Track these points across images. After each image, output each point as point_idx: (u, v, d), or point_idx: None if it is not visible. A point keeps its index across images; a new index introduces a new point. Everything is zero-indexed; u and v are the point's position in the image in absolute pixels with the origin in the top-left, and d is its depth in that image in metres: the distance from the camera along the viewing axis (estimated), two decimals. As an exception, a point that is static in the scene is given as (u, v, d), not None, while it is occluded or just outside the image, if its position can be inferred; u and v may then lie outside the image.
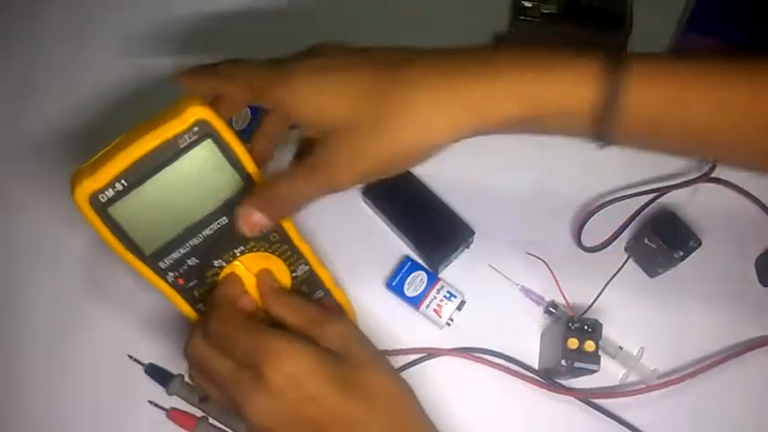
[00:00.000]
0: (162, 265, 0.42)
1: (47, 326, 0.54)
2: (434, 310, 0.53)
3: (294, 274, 0.46)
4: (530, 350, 0.52)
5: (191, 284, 0.43)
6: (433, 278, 0.54)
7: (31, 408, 0.52)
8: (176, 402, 0.52)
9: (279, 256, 0.45)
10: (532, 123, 0.37)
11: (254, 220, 0.39)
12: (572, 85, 0.35)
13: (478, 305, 0.54)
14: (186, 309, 0.44)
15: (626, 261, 0.53)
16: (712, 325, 0.53)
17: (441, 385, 0.51)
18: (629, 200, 0.55)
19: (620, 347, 0.51)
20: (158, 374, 0.52)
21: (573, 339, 0.48)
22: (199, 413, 0.51)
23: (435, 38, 0.62)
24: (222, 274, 0.44)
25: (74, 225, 0.53)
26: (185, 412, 0.51)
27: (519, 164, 0.58)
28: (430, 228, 0.54)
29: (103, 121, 0.59)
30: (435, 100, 0.36)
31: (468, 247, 0.55)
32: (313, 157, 0.38)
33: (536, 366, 0.52)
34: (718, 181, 0.56)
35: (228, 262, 0.44)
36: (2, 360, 0.53)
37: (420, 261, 0.55)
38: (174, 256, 0.42)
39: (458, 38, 0.62)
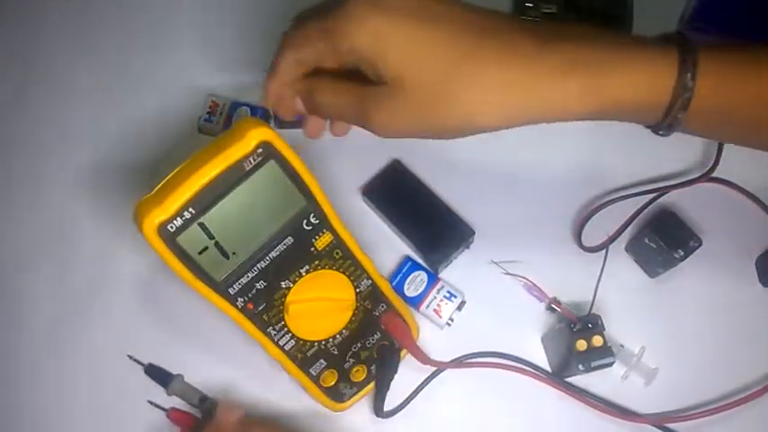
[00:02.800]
0: (231, 291, 0.41)
1: (48, 323, 0.54)
2: (434, 310, 0.53)
3: (358, 290, 0.47)
4: (533, 349, 0.52)
5: (260, 308, 0.43)
6: (433, 278, 0.54)
7: (32, 408, 0.52)
8: (177, 403, 0.51)
9: (343, 272, 0.46)
10: (595, 117, 0.37)
11: (291, 106, 0.40)
12: (645, 85, 0.35)
13: (479, 305, 0.54)
14: (257, 334, 0.44)
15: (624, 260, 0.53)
16: (712, 325, 0.53)
17: (458, 397, 0.51)
18: (629, 200, 0.55)
19: (622, 345, 0.51)
20: (158, 375, 0.52)
21: (581, 341, 0.48)
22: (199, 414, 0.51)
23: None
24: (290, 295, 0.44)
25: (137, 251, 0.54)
26: (186, 412, 0.51)
27: (519, 164, 0.59)
28: (430, 228, 0.54)
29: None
30: (501, 91, 0.35)
31: (468, 247, 0.55)
32: (366, 86, 0.37)
33: (546, 368, 0.52)
34: (718, 181, 0.56)
35: (295, 282, 0.44)
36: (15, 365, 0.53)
37: (420, 261, 0.55)
38: (243, 280, 0.41)
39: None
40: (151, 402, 0.51)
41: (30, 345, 0.53)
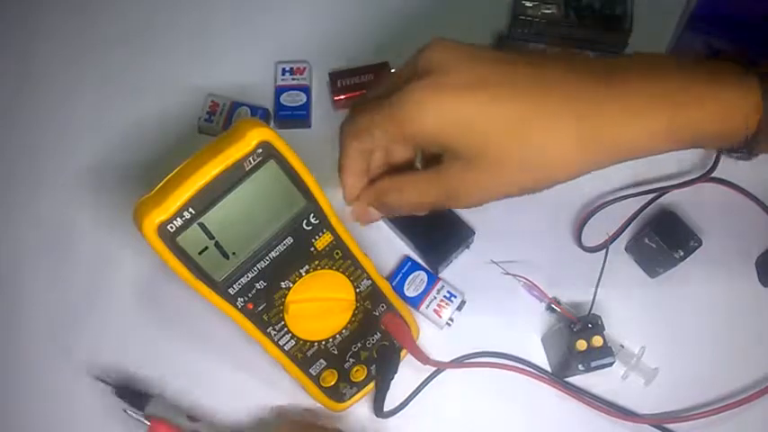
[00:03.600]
0: (231, 291, 0.41)
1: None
2: (434, 310, 0.53)
3: (358, 290, 0.47)
4: (533, 349, 0.52)
5: (260, 308, 0.43)
6: (433, 278, 0.54)
7: (31, 409, 0.52)
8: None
9: (343, 272, 0.46)
10: (678, 149, 0.37)
11: (368, 215, 0.41)
12: (731, 117, 0.35)
13: (479, 305, 0.54)
14: (256, 334, 0.44)
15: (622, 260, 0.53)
16: (712, 325, 0.53)
17: (458, 397, 0.51)
18: (629, 200, 0.55)
19: (622, 345, 0.51)
20: (132, 396, 0.48)
21: (580, 341, 0.48)
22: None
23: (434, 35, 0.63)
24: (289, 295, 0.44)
25: (137, 252, 0.53)
26: (169, 424, 0.47)
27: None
28: (430, 228, 0.54)
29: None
30: (579, 140, 0.35)
31: (468, 247, 0.55)
32: (442, 167, 0.38)
33: (546, 368, 0.52)
34: (718, 181, 0.56)
35: (295, 282, 0.44)
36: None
37: (420, 261, 0.55)
38: (243, 281, 0.41)
39: (458, 37, 0.63)
40: (127, 412, 0.48)
41: (29, 345, 0.53)
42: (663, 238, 0.51)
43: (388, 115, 0.37)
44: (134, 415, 0.47)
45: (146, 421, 0.47)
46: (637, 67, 0.36)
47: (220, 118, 0.59)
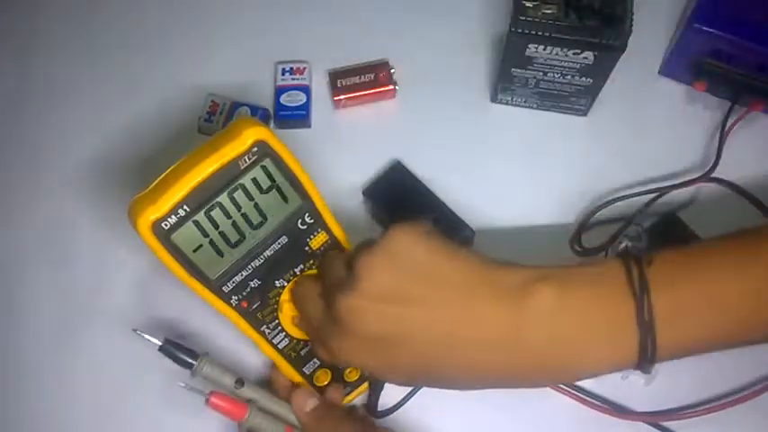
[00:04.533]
0: (225, 289, 0.41)
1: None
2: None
3: None
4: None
5: (254, 307, 0.43)
6: (432, 278, 0.53)
7: (32, 410, 0.52)
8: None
9: None
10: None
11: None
12: (619, 358, 0.36)
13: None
14: (251, 333, 0.44)
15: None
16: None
17: (453, 396, 0.51)
18: (628, 200, 0.55)
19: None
20: (178, 354, 0.44)
21: None
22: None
23: (434, 38, 0.63)
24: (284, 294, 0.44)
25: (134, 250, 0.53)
26: (231, 397, 0.44)
27: (518, 165, 0.58)
28: (430, 228, 0.54)
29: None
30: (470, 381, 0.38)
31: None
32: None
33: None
34: (718, 181, 0.55)
35: (290, 281, 0.44)
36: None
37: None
38: (237, 279, 0.42)
39: (458, 37, 0.63)
40: (186, 385, 0.44)
41: (29, 345, 0.53)
42: (663, 239, 0.51)
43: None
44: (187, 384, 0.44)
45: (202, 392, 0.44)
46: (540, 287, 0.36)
47: (220, 118, 0.59)
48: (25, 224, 0.57)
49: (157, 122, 0.60)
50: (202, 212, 0.38)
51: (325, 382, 0.48)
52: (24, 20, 0.66)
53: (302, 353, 0.47)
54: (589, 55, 0.52)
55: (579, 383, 0.51)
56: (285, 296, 0.44)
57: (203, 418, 0.48)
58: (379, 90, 0.60)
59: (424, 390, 0.51)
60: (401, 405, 0.50)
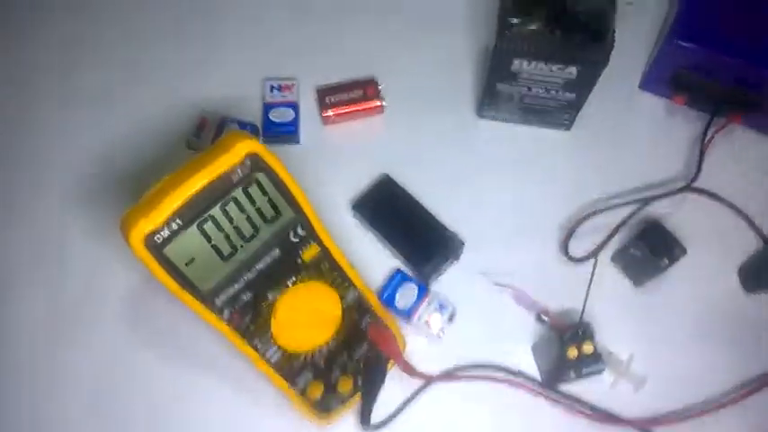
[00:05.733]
0: (218, 302, 0.41)
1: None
2: (426, 321, 0.53)
3: (344, 301, 0.47)
4: (523, 358, 0.52)
5: (246, 319, 0.43)
6: (423, 290, 0.54)
7: (26, 419, 0.51)
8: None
9: (329, 284, 0.46)
10: None
11: None
12: None
13: (469, 316, 0.54)
14: (242, 346, 0.44)
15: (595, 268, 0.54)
16: (698, 331, 0.53)
17: (447, 408, 0.51)
18: (614, 210, 0.56)
19: (611, 352, 0.51)
20: None
21: (571, 349, 0.48)
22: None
23: (421, 54, 0.64)
24: (276, 306, 0.44)
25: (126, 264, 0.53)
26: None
27: (505, 177, 0.59)
28: (420, 240, 0.54)
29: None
30: None
31: (457, 258, 0.55)
32: None
33: (537, 377, 0.52)
34: (701, 191, 0.56)
35: (282, 293, 0.44)
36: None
37: (410, 273, 0.55)
38: (230, 291, 0.42)
39: (445, 53, 0.64)
40: None
41: (18, 359, 0.53)
42: (648, 248, 0.52)
43: None
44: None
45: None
46: None
47: (209, 134, 0.59)
48: (17, 237, 0.57)
49: (147, 138, 0.60)
50: (195, 225, 0.38)
51: (318, 395, 0.48)
52: (20, 31, 0.66)
53: (294, 365, 0.46)
54: (573, 69, 0.53)
55: (568, 391, 0.51)
56: (277, 309, 0.44)
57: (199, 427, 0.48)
58: (367, 106, 0.61)
59: (416, 402, 0.51)
60: (394, 417, 0.50)
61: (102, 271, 0.55)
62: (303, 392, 0.48)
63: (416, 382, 0.51)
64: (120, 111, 0.62)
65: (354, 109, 0.61)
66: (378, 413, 0.49)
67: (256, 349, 0.45)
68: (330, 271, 0.45)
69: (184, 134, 0.60)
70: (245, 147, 0.38)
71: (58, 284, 0.55)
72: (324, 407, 0.49)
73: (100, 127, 0.61)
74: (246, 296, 0.42)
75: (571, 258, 0.55)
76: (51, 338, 0.53)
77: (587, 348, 0.49)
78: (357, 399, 0.50)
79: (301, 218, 0.42)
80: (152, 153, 0.59)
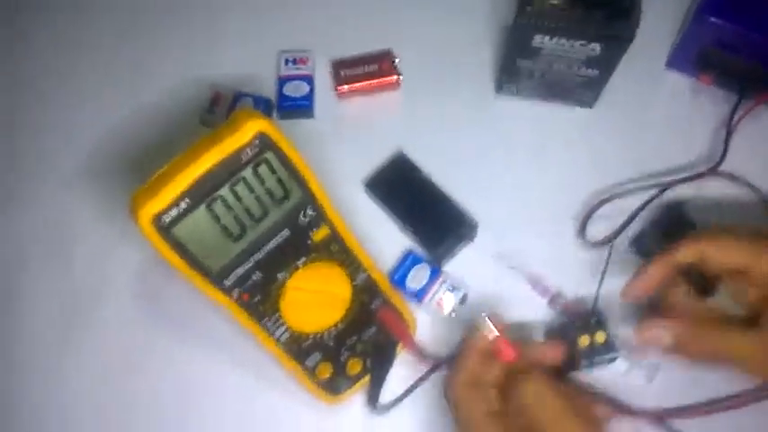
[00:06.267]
0: (227, 282, 0.41)
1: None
2: (437, 303, 0.52)
3: (354, 283, 0.47)
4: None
5: (255, 300, 0.43)
6: (435, 271, 0.53)
7: (33, 409, 0.52)
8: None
9: (339, 265, 0.45)
10: None
11: (661, 340, 0.43)
12: None
13: (481, 299, 0.53)
14: (252, 326, 0.44)
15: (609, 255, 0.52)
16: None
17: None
18: (634, 193, 0.54)
19: (623, 341, 0.50)
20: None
21: (583, 337, 0.48)
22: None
23: (439, 28, 0.62)
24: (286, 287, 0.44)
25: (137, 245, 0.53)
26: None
27: (522, 156, 0.58)
28: (433, 220, 0.54)
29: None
30: None
31: (471, 239, 0.55)
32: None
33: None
34: (724, 175, 0.55)
35: (291, 274, 0.44)
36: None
37: (423, 254, 0.54)
38: (239, 272, 0.41)
39: (463, 27, 0.62)
40: None
41: (30, 344, 0.53)
42: (668, 234, 0.51)
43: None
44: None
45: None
46: None
47: (223, 109, 0.58)
48: (25, 219, 0.57)
49: (160, 114, 0.60)
50: (204, 205, 0.38)
51: (327, 376, 0.48)
52: (26, 5, 0.65)
53: (304, 346, 0.46)
54: (596, 46, 0.52)
55: (578, 380, 0.50)
56: (287, 289, 0.44)
57: (207, 419, 0.48)
58: (382, 80, 0.60)
59: (425, 384, 0.51)
60: (403, 399, 0.50)
61: (112, 251, 0.55)
62: (312, 373, 0.48)
63: (427, 364, 0.51)
64: (131, 87, 0.61)
65: (369, 83, 0.60)
66: (387, 395, 0.49)
67: (266, 329, 0.45)
68: (340, 252, 0.45)
69: (198, 110, 0.59)
70: (254, 126, 0.38)
71: (69, 266, 0.55)
72: (333, 387, 0.49)
73: (111, 104, 0.61)
74: (256, 276, 0.42)
75: (588, 243, 0.54)
76: (64, 321, 0.54)
77: (600, 337, 0.48)
78: (366, 380, 0.50)
79: (311, 198, 0.42)
80: (164, 130, 0.59)
